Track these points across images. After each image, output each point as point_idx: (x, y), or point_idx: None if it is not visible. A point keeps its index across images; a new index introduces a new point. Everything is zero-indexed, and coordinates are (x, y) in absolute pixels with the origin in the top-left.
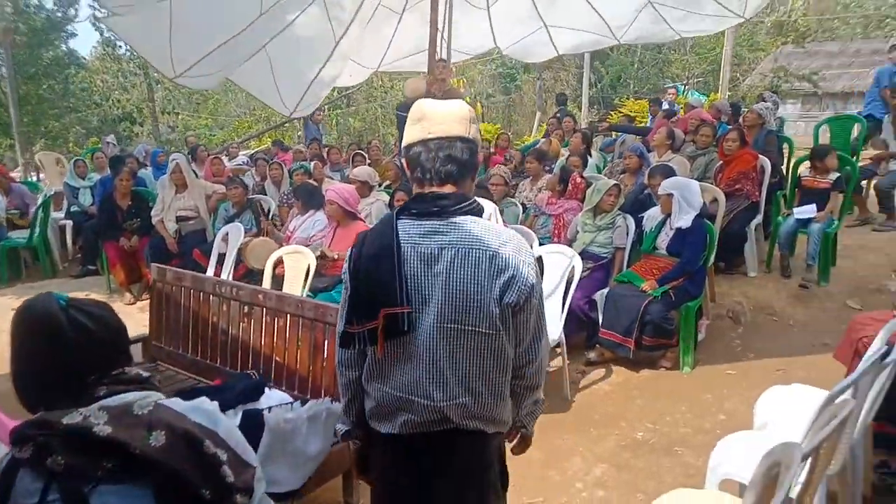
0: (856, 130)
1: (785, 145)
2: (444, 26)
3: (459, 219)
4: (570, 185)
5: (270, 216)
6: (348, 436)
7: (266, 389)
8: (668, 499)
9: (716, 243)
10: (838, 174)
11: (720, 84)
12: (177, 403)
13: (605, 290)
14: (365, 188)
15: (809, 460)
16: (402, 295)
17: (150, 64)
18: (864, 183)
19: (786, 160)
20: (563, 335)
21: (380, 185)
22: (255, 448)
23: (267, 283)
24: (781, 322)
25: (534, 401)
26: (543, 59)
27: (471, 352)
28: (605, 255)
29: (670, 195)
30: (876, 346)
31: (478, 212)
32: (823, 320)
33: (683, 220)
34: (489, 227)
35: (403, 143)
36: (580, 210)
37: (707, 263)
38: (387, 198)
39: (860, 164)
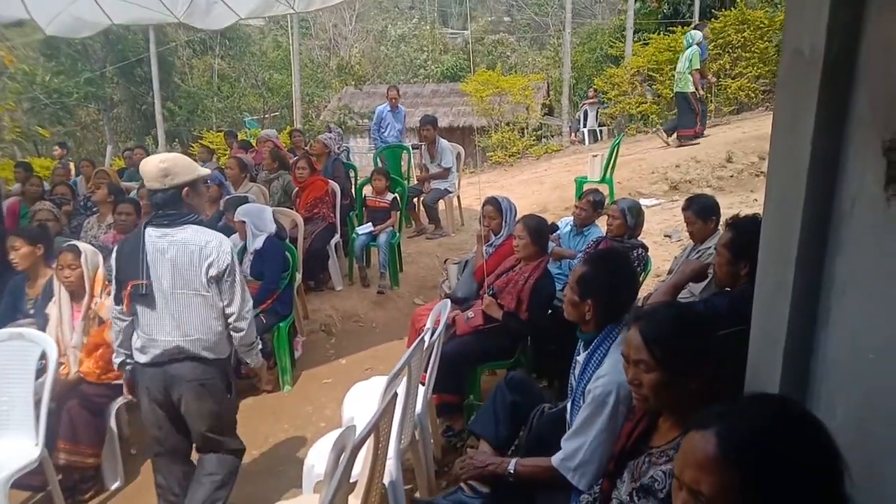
0: (404, 157)
1: (351, 172)
2: None
3: (181, 227)
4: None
5: None
6: (124, 364)
7: None
8: None
9: (299, 263)
10: (394, 195)
11: (294, 119)
12: None
13: None
14: None
15: (371, 438)
16: (142, 272)
17: None
18: (416, 200)
19: (353, 185)
20: None
21: None
22: None
23: None
24: (366, 326)
25: (248, 343)
26: (94, 32)
27: (195, 307)
28: None
29: (244, 222)
30: (427, 327)
31: (197, 221)
32: (398, 318)
33: (257, 242)
34: (200, 230)
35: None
36: None
37: (293, 283)
38: None
39: (411, 185)
